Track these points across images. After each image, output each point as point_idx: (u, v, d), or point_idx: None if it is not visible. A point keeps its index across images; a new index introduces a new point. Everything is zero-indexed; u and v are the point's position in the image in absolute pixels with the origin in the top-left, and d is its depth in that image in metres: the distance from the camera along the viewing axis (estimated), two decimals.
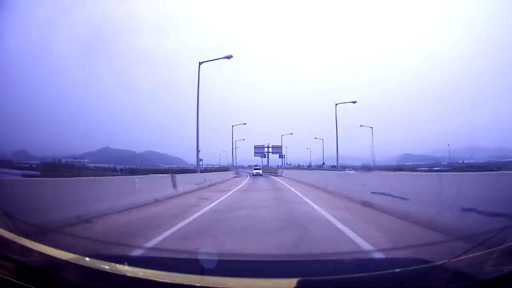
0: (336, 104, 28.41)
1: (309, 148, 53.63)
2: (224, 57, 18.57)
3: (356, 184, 8.65)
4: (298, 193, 10.69)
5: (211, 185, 15.70)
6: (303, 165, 56.07)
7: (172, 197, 9.35)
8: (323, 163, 42.57)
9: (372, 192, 6.94)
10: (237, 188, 14.36)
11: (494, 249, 1.36)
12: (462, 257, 1.35)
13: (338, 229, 4.53)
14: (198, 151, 18.40)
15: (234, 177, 27.92)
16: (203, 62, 18.16)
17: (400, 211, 5.28)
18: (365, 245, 3.56)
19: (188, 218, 5.61)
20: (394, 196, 5.82)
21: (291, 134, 48.18)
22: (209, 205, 7.64)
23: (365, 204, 6.93)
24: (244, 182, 20.39)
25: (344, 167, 34.48)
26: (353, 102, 30.94)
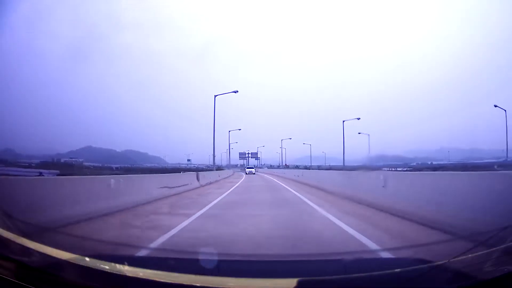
0: (343, 121, 35.32)
1: (279, 151, 61.53)
2: (232, 92, 24.74)
3: (295, 175, 20.28)
4: (268, 177, 25.41)
5: (225, 178, 23.11)
6: (274, 165, 67.27)
7: (202, 186, 13.92)
8: (286, 164, 55.75)
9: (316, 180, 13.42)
10: (243, 179, 22.65)
11: (494, 249, 1.36)
12: (462, 257, 1.35)
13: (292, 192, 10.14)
14: (214, 156, 25.97)
15: (233, 175, 33.16)
16: (218, 95, 24.24)
17: (339, 193, 9.06)
18: (303, 198, 6.89)
19: (229, 189, 12.41)
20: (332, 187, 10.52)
21: (290, 139, 57.83)
22: (231, 187, 13.94)
23: (301, 182, 15.08)
24: (244, 176, 28.23)
25: (303, 167, 44.30)
26: (358, 119, 37.31)
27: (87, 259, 1.47)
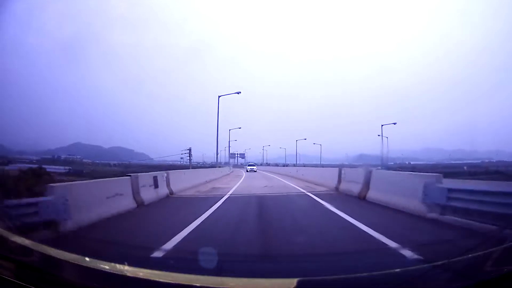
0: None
1: (261, 152, 71.25)
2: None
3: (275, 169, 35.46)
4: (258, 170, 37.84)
5: (231, 173, 29.16)
6: (257, 163, 75.86)
7: (220, 177, 20.61)
8: (267, 163, 65.88)
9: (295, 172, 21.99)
10: (246, 175, 25.77)
11: (494, 249, 1.36)
12: (462, 257, 1.35)
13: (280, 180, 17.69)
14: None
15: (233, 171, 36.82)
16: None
17: (310, 179, 15.46)
18: (275, 176, 21.04)
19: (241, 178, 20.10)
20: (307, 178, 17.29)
21: (269, 145, 62.11)
22: (243, 176, 22.44)
23: (277, 172, 29.19)
24: (244, 172, 31.55)
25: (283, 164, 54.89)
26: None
27: (87, 259, 1.47)
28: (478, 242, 1.73)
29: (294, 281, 1.23)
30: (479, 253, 1.37)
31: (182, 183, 10.86)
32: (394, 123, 35.66)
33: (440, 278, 1.35)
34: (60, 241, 3.81)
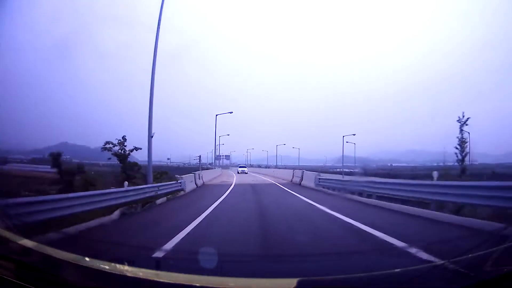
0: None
1: (245, 154, 76.40)
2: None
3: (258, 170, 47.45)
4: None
5: (223, 173, 34.77)
6: (241, 164, 79.49)
7: (219, 175, 29.90)
8: (251, 164, 70.81)
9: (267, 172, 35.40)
10: (237, 176, 30.52)
11: (494, 249, 1.36)
12: (462, 257, 1.35)
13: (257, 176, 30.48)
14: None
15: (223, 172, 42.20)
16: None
17: (279, 176, 25.72)
18: (255, 174, 34.68)
19: (234, 176, 29.78)
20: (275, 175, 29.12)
21: (253, 148, 70.05)
22: (234, 175, 31.99)
23: (258, 172, 40.62)
24: (233, 172, 38.17)
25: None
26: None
27: (87, 259, 1.47)
28: (478, 242, 1.73)
29: (294, 281, 1.23)
30: (479, 253, 1.36)
31: (206, 178, 20.12)
32: (354, 134, 41.44)
33: (440, 278, 1.35)
34: (182, 197, 11.70)
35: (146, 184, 9.93)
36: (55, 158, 10.98)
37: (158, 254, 3.30)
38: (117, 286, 1.34)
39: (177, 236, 4.51)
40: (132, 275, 1.37)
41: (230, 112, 30.24)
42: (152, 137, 11.02)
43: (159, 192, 9.58)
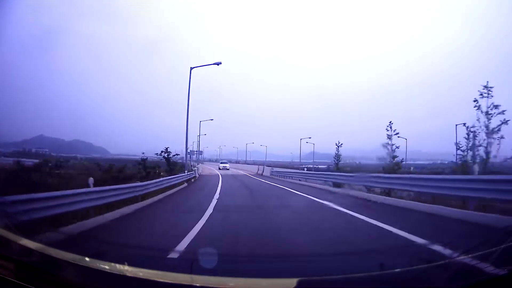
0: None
1: (217, 150, 79.38)
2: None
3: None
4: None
5: (204, 167, 39.93)
6: (212, 160, 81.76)
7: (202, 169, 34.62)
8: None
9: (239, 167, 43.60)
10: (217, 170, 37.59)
11: (494, 249, 1.36)
12: (462, 257, 1.35)
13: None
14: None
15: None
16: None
17: (247, 170, 36.43)
18: (240, 172, 34.78)
19: (216, 169, 38.32)
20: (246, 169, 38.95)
21: (225, 145, 76.82)
22: (215, 169, 39.40)
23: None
24: (211, 166, 46.76)
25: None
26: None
27: (87, 259, 1.47)
28: (478, 242, 1.73)
29: (294, 281, 1.23)
30: (479, 253, 1.36)
31: (199, 170, 26.21)
32: (309, 137, 44.14)
33: (440, 278, 1.34)
34: (192, 184, 17.09)
35: (183, 173, 17.25)
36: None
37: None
38: (117, 286, 1.34)
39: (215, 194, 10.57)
40: (132, 275, 1.37)
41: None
42: (188, 153, 22.20)
43: (189, 177, 18.00)
